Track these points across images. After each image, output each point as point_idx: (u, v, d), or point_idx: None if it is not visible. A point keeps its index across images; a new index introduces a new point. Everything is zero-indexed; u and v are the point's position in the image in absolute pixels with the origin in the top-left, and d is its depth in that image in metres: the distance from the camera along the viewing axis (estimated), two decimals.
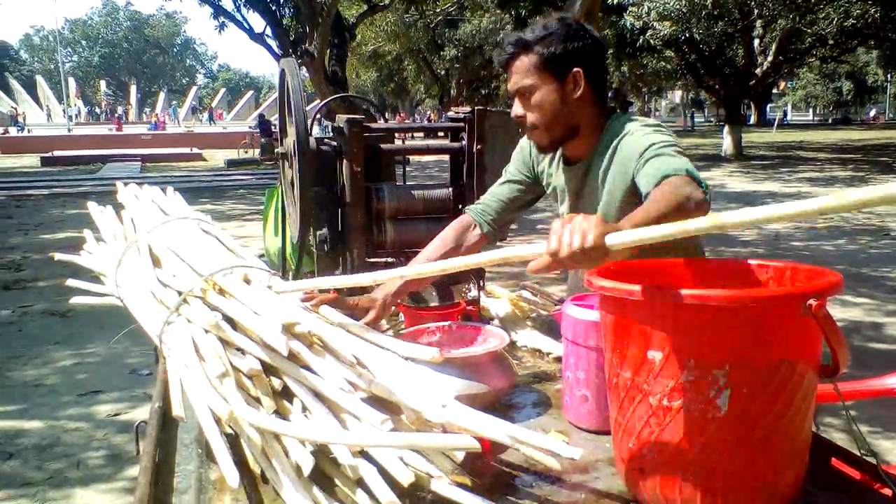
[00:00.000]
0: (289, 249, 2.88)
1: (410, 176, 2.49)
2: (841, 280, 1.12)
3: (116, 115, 47.86)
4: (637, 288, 1.12)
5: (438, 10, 24.55)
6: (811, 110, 61.73)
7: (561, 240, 1.14)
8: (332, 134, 2.07)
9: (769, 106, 53.52)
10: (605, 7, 18.20)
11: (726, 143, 22.13)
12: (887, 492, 1.19)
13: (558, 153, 1.83)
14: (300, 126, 1.76)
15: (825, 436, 1.49)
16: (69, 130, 37.17)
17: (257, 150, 23.01)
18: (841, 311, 5.54)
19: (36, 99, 58.32)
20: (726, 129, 22.57)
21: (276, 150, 2.05)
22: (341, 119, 1.91)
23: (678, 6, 15.64)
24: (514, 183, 1.91)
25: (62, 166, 21.85)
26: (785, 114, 57.46)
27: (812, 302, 1.05)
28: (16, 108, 48.18)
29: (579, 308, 1.49)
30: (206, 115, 53.43)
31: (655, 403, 1.14)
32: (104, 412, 3.77)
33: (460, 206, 2.07)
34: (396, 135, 2.31)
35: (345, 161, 1.91)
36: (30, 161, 23.26)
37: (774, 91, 49.80)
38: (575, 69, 1.65)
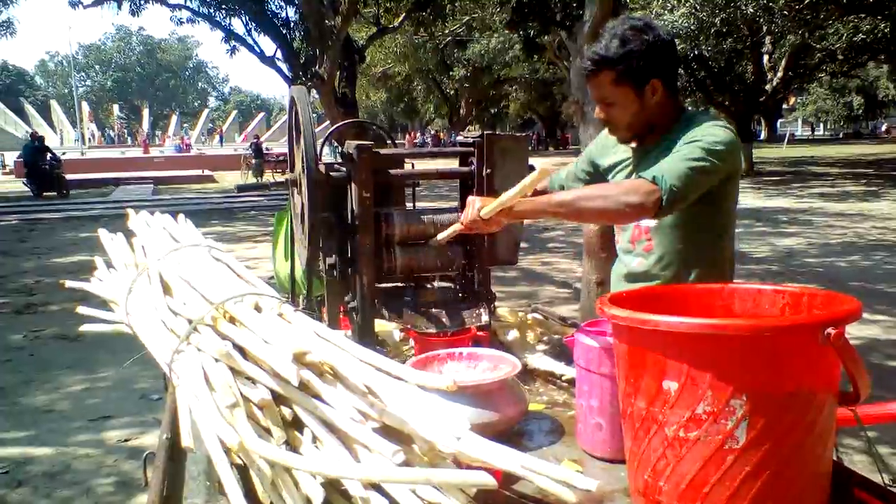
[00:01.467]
0: (298, 273, 2.87)
1: (421, 195, 2.48)
2: (859, 307, 1.10)
3: (143, 137, 48.49)
4: (651, 317, 1.10)
5: (447, 31, 24.74)
6: (822, 125, 61.42)
7: (465, 213, 1.76)
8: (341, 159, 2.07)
9: (780, 121, 53.35)
10: None
11: None
12: None
13: None
14: (309, 154, 1.76)
15: (845, 459, 1.46)
16: (82, 154, 37.52)
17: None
18: (858, 330, 5.46)
19: (50, 123, 58.96)
20: None
21: (285, 176, 2.05)
22: (350, 145, 1.90)
23: (686, 24, 15.65)
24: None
25: (75, 189, 22.01)
26: (813, 128, 56.79)
27: (830, 330, 1.03)
28: (35, 132, 48.76)
29: (592, 335, 1.47)
30: (217, 137, 53.97)
31: (671, 434, 1.11)
32: (114, 438, 3.76)
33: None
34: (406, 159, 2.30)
35: (354, 187, 1.90)
36: None
37: (785, 106, 49.68)
38: (653, 81, 1.77)
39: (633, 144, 1.95)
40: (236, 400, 1.30)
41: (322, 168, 1.89)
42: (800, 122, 60.54)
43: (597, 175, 2.13)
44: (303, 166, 1.83)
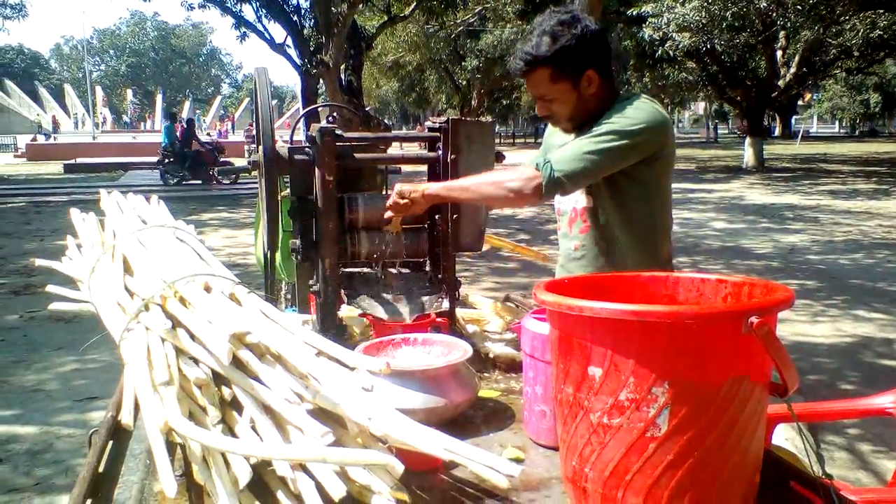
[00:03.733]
0: (278, 258, 2.87)
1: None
2: (789, 297, 1.08)
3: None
4: (577, 302, 1.09)
5: (459, 20, 24.61)
6: (837, 122, 60.72)
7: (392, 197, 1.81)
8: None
9: (795, 118, 52.87)
10: (624, 18, 18.15)
11: (748, 155, 21.90)
12: None
13: None
14: (266, 135, 1.76)
15: (826, 455, 1.45)
16: (94, 138, 37.68)
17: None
18: (853, 327, 5.42)
19: (64, 107, 59.27)
20: (748, 140, 22.34)
21: (250, 158, 2.04)
22: (314, 128, 1.89)
23: (698, 17, 15.50)
24: None
25: (85, 173, 22.11)
26: (853, 126, 55.79)
27: (753, 319, 1.01)
28: (54, 116, 49.54)
29: (538, 322, 1.46)
30: (228, 123, 54.13)
31: (595, 421, 1.10)
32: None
33: (436, 217, 2.05)
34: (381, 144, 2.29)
35: (317, 170, 1.89)
36: (54, 168, 23.58)
37: (800, 103, 49.22)
38: (588, 72, 1.78)
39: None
40: (169, 377, 1.29)
41: (284, 150, 1.88)
42: (815, 118, 59.91)
43: None
44: (262, 149, 1.82)
